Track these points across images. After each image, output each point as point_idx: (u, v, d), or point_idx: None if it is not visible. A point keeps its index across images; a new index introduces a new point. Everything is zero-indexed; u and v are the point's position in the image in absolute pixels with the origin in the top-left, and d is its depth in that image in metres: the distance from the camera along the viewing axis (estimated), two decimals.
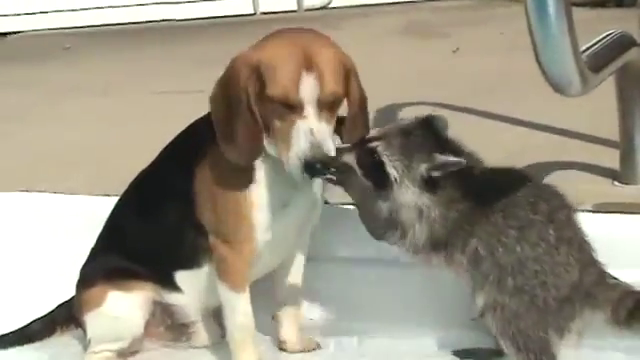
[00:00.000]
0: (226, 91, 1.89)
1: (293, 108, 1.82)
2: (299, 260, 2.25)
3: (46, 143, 3.49)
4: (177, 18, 6.78)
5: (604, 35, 2.20)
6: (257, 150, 1.89)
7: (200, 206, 2.03)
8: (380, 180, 1.86)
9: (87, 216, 2.58)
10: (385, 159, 1.85)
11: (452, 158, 1.83)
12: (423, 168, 1.83)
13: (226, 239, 2.02)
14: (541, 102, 2.97)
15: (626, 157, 2.46)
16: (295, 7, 6.58)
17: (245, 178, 1.97)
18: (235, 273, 2.05)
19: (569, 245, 1.89)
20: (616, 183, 2.46)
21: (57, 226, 2.70)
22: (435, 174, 1.82)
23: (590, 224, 2.18)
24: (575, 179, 2.50)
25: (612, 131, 2.53)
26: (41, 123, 3.86)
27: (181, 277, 2.18)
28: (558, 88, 1.79)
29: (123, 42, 5.99)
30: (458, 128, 1.93)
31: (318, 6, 6.62)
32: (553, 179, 2.46)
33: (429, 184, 1.84)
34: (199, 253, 2.09)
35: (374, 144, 1.86)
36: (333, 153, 1.83)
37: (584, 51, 1.95)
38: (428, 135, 1.86)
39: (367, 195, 1.91)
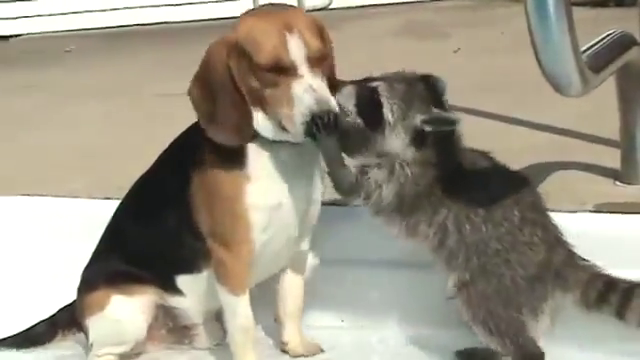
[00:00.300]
0: (207, 78, 1.90)
1: (286, 71, 1.83)
2: (301, 261, 2.24)
3: (48, 146, 3.49)
4: (178, 20, 6.78)
5: (604, 35, 2.20)
6: (248, 128, 1.90)
7: (196, 210, 2.03)
8: (373, 121, 1.86)
9: (88, 219, 2.58)
10: (384, 100, 1.85)
11: (449, 114, 1.85)
12: (418, 119, 1.84)
13: (223, 242, 2.02)
14: (542, 102, 2.97)
15: (627, 157, 2.45)
16: None
17: (240, 178, 1.97)
18: (234, 276, 2.05)
19: (533, 225, 1.91)
20: (617, 183, 2.46)
21: (59, 229, 2.70)
22: (428, 128, 1.83)
23: (592, 224, 2.18)
24: (576, 179, 2.49)
25: (613, 131, 2.52)
26: (43, 126, 3.86)
27: (182, 281, 2.17)
28: (558, 88, 1.79)
29: (125, 44, 5.99)
30: (459, 127, 1.93)
31: (319, 7, 6.61)
32: (554, 179, 2.47)
33: (418, 138, 1.85)
34: (198, 257, 2.09)
35: (375, 84, 1.87)
36: (337, 109, 1.83)
37: (584, 51, 1.95)
38: (428, 91, 1.88)
39: (350, 137, 1.90)
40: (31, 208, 2.78)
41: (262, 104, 1.89)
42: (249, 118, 1.90)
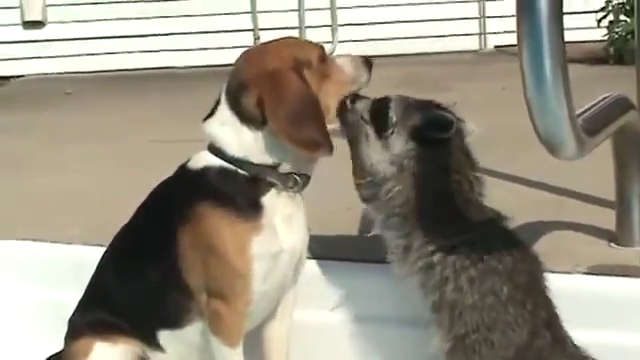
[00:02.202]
0: (290, 104, 1.96)
1: (326, 57, 2.05)
2: (288, 307, 2.23)
3: (45, 190, 3.49)
4: (179, 66, 6.82)
5: (601, 98, 2.21)
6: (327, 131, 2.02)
7: (187, 269, 2.00)
8: (381, 124, 1.94)
9: (81, 266, 2.57)
10: (392, 104, 1.95)
11: (448, 116, 1.91)
12: (419, 118, 1.91)
13: (220, 295, 2.00)
14: (539, 160, 2.97)
15: (622, 219, 2.46)
16: None
17: (248, 230, 1.96)
18: (230, 328, 2.04)
19: (521, 307, 1.85)
20: (612, 245, 2.46)
21: (52, 276, 2.69)
22: (426, 127, 1.87)
23: (585, 286, 2.18)
24: (571, 239, 2.49)
25: (609, 190, 2.53)
26: (40, 169, 3.86)
27: (164, 336, 2.16)
28: (553, 151, 1.79)
29: (124, 89, 6.02)
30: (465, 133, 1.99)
31: None
32: (549, 239, 2.47)
33: (417, 136, 1.91)
34: (182, 314, 2.08)
35: (391, 95, 2.00)
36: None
37: (580, 114, 1.95)
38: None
39: (363, 142, 1.99)
40: (23, 253, 2.77)
41: (324, 105, 2.01)
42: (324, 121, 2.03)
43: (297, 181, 1.98)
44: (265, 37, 6.79)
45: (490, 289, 1.85)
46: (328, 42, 6.83)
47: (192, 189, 1.97)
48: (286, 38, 2.07)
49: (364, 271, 2.33)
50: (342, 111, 2.01)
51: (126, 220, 2.23)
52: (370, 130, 1.97)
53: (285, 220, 2.00)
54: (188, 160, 2.03)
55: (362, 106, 2.01)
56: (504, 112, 4.19)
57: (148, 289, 2.09)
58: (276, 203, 1.97)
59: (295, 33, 6.78)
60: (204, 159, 1.99)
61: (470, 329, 1.85)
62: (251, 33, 7.02)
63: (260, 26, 6.94)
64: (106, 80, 6.50)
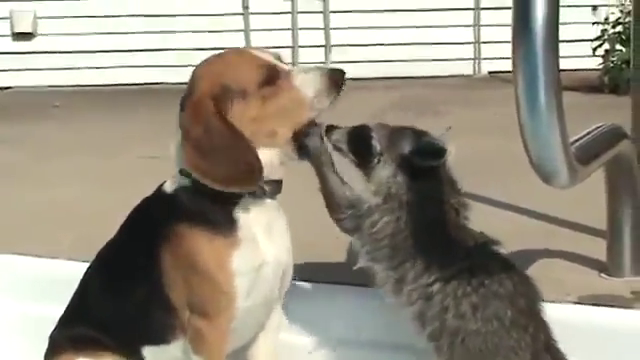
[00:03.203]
0: (202, 141, 1.89)
1: (276, 75, 1.90)
2: (274, 325, 2.22)
3: (32, 204, 3.49)
4: (170, 82, 6.83)
5: (594, 127, 2.22)
6: (260, 168, 1.90)
7: (170, 286, 2.00)
8: (364, 154, 1.90)
9: (67, 282, 2.56)
10: (374, 133, 1.90)
11: (438, 143, 1.87)
12: (406, 148, 1.87)
13: (202, 312, 1.99)
14: (531, 187, 2.97)
15: (613, 249, 2.47)
16: None
17: (226, 245, 1.96)
18: (212, 346, 2.02)
19: (524, 331, 1.86)
20: (602, 275, 2.47)
21: (37, 291, 2.68)
22: (416, 157, 1.84)
23: (575, 315, 2.19)
24: (561, 268, 2.50)
25: (601, 220, 2.54)
26: (27, 183, 3.86)
27: (148, 352, 2.15)
28: (545, 179, 1.80)
29: (114, 103, 6.03)
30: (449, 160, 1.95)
31: None
32: (539, 267, 2.48)
33: (406, 167, 1.88)
34: (166, 330, 2.06)
35: (370, 123, 1.95)
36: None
37: (573, 142, 1.96)
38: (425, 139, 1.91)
39: (340, 174, 1.94)
40: (8, 267, 2.77)
41: (267, 133, 1.91)
42: (258, 158, 1.90)
43: (264, 188, 1.97)
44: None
45: (494, 314, 1.85)
46: (321, 62, 6.86)
47: (169, 211, 1.96)
48: (230, 54, 1.97)
49: (353, 294, 2.33)
50: (300, 143, 1.92)
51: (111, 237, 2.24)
52: (349, 160, 1.94)
53: (265, 230, 1.99)
54: (164, 182, 2.03)
55: (337, 137, 1.95)
56: (497, 138, 4.22)
57: (131, 305, 2.09)
58: (250, 214, 1.97)
59: (288, 53, 6.81)
60: (176, 182, 1.99)
61: (472, 355, 1.85)
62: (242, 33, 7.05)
63: (253, 44, 6.97)
64: (95, 94, 6.51)
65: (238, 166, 1.87)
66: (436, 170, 1.89)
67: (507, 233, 2.72)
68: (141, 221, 2.06)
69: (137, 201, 2.14)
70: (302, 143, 1.92)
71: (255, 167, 1.89)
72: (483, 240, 1.95)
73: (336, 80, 1.91)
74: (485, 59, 7.05)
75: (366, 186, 1.90)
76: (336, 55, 6.98)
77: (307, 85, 1.90)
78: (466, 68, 7.10)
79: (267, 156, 1.94)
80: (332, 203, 1.95)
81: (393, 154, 1.89)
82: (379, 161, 1.89)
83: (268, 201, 1.98)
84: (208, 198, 1.94)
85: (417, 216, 1.88)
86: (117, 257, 2.12)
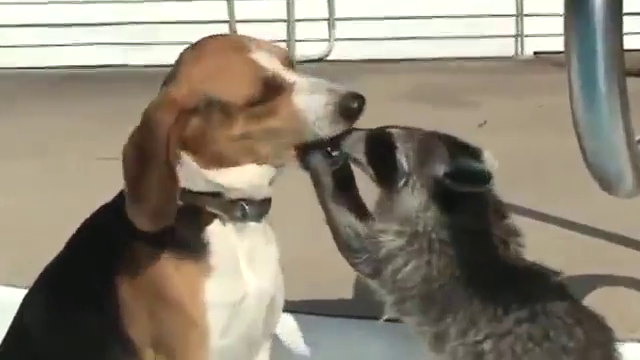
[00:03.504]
0: (142, 146, 1.90)
1: (274, 89, 1.88)
2: None
3: None
4: (134, 64, 6.81)
5: None
6: (169, 211, 1.89)
7: (129, 319, 2.00)
8: (387, 170, 1.86)
9: (2, 310, 2.56)
10: (400, 144, 1.86)
11: (481, 165, 1.80)
12: (440, 169, 1.82)
13: (169, 353, 2.00)
14: (587, 197, 2.98)
15: None
16: None
17: (197, 272, 1.97)
18: None
19: None
20: None
21: None
22: (452, 183, 1.77)
23: None
24: (624, 299, 2.50)
25: None
26: None
27: None
28: (606, 186, 1.79)
29: (65, 91, 6.02)
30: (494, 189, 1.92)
31: (314, 57, 6.69)
32: (597, 297, 2.46)
33: (441, 195, 1.83)
34: None
35: (393, 130, 1.90)
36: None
37: None
38: (458, 146, 1.85)
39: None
40: None
41: (252, 151, 1.92)
42: (174, 199, 1.89)
43: (245, 210, 1.98)
44: (244, 30, 6.78)
45: None
46: (324, 40, 6.87)
47: (128, 224, 1.96)
48: (226, 52, 1.95)
49: (362, 330, 2.34)
50: (303, 160, 1.92)
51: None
52: (368, 176, 1.90)
53: (246, 257, 2.01)
54: None
55: (352, 143, 1.91)
56: (543, 135, 4.22)
57: (81, 342, 2.08)
58: (228, 237, 1.98)
59: (282, 28, 6.81)
60: None
61: None
62: (227, 25, 7.05)
63: (238, 17, 6.96)
64: (42, 79, 6.50)
65: (153, 196, 1.88)
66: (478, 196, 1.84)
67: (554, 254, 2.73)
68: (95, 235, 2.07)
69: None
70: (303, 160, 1.92)
71: (167, 205, 1.88)
72: (540, 275, 1.92)
73: (350, 111, 1.88)
74: (529, 36, 7.04)
75: (386, 220, 1.84)
76: (341, 31, 6.97)
77: (310, 110, 1.89)
78: (506, 48, 7.08)
79: (251, 174, 1.95)
80: (340, 242, 1.93)
81: (424, 176, 1.84)
82: (406, 184, 1.85)
83: (251, 224, 1.99)
84: (179, 212, 1.93)
85: (455, 258, 1.83)
86: (64, 280, 2.11)
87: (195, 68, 1.93)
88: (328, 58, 6.76)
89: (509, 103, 5.13)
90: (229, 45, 1.96)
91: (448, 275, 1.86)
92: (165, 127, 1.87)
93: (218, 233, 1.97)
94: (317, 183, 1.92)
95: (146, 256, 1.95)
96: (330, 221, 1.94)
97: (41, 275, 2.19)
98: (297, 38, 6.79)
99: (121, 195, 1.98)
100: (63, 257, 2.13)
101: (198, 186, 1.95)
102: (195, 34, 2.10)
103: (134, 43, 6.97)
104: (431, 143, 1.86)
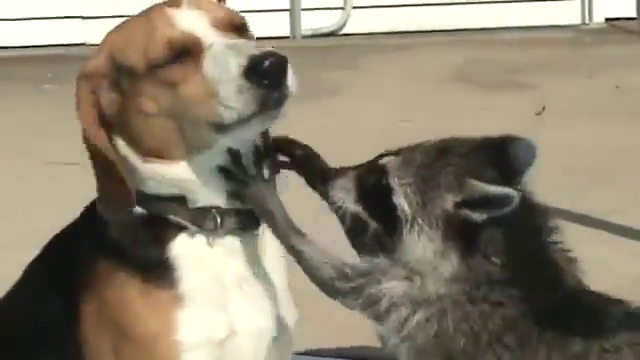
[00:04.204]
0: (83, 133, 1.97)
1: (189, 52, 1.90)
2: None
3: None
4: (89, 42, 6.82)
5: None
6: (120, 194, 1.94)
7: (93, 356, 2.02)
8: (389, 220, 1.83)
9: None
10: (394, 181, 1.83)
11: (501, 189, 1.73)
12: (449, 201, 1.81)
13: None
14: None
15: None
16: (288, 32, 6.64)
17: (166, 301, 1.97)
18: None
19: None
20: None
21: None
22: (469, 214, 1.73)
23: None
24: None
25: None
26: None
27: None
28: None
29: (9, 78, 6.06)
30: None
31: (324, 31, 6.69)
32: None
33: (458, 233, 1.77)
34: None
35: (385, 160, 1.83)
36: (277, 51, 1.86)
37: None
38: (483, 159, 1.80)
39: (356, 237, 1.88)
40: None
41: (172, 133, 1.93)
42: (117, 180, 1.93)
43: (215, 219, 1.96)
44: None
45: None
46: (337, 8, 6.88)
47: (95, 238, 1.99)
48: (144, 13, 2.02)
49: None
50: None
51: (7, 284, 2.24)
52: (372, 224, 1.85)
53: (235, 284, 2.00)
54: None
55: (341, 193, 1.89)
56: (619, 123, 4.22)
57: None
58: (201, 256, 1.98)
59: None
60: None
61: None
62: None
63: None
64: None
65: (101, 180, 1.94)
66: (509, 219, 1.81)
67: (632, 275, 2.74)
68: (59, 257, 2.09)
69: (43, 232, 2.15)
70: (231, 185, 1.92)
71: (112, 192, 1.93)
72: (604, 313, 1.91)
73: (260, 73, 1.84)
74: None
75: (390, 271, 1.82)
76: None
77: (216, 75, 1.89)
78: (571, 15, 7.10)
79: (192, 168, 1.95)
80: (319, 282, 1.90)
81: (431, 215, 1.82)
82: (411, 230, 1.80)
83: (238, 241, 2.00)
84: (136, 222, 1.97)
85: (486, 312, 1.82)
86: (21, 312, 2.13)
87: (113, 33, 2.00)
88: (342, 31, 6.75)
89: (575, 84, 5.13)
90: (159, 6, 2.01)
91: (466, 333, 1.85)
92: (85, 98, 1.94)
93: (186, 251, 1.97)
94: (264, 213, 1.92)
95: (107, 279, 1.97)
96: (298, 259, 1.93)
97: None
98: (303, 6, 6.78)
99: (85, 211, 2.03)
100: (22, 284, 2.15)
101: (149, 184, 1.97)
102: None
103: (88, 17, 7.02)
104: (433, 169, 1.82)
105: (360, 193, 1.88)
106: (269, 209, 1.89)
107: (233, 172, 1.89)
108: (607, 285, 2.00)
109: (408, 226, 1.83)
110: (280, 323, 2.05)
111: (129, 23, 2.01)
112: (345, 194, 1.90)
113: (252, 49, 1.86)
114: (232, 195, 1.92)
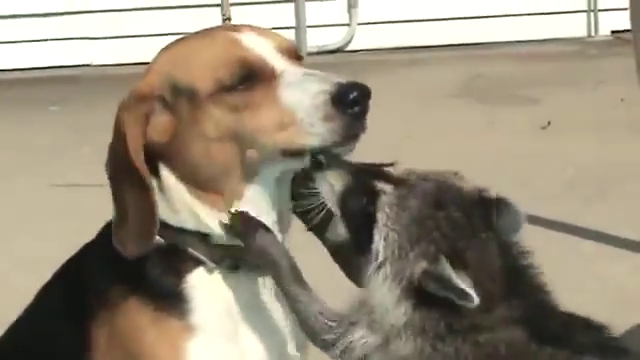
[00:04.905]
0: (113, 158, 1.93)
1: (258, 77, 1.87)
2: None
3: None
4: (97, 63, 6.80)
5: None
6: (149, 229, 1.91)
7: None
8: (360, 244, 1.79)
9: None
10: (381, 219, 1.80)
11: (465, 287, 1.73)
12: (419, 267, 1.75)
13: None
14: None
15: None
16: None
17: (178, 332, 1.96)
18: None
19: None
20: None
21: None
22: (428, 286, 1.73)
23: None
24: None
25: None
26: None
27: None
28: None
29: (5, 101, 6.06)
30: (544, 252, 1.87)
31: (329, 48, 6.69)
32: None
33: (413, 294, 1.76)
34: None
35: (381, 186, 1.79)
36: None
37: None
38: (478, 220, 1.79)
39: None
40: None
41: (231, 159, 1.89)
42: (151, 214, 1.90)
43: (235, 260, 1.94)
44: (240, 15, 6.80)
45: None
46: (342, 25, 6.88)
47: (110, 262, 1.97)
48: (203, 35, 2.00)
49: None
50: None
51: (8, 309, 2.23)
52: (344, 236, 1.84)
53: (245, 317, 1.99)
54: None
55: (326, 187, 1.85)
56: (623, 137, 4.20)
57: None
58: (216, 290, 1.96)
59: (289, 10, 6.81)
60: None
61: None
62: (218, 9, 7.09)
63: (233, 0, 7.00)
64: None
65: (123, 210, 1.91)
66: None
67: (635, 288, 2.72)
68: (70, 280, 2.07)
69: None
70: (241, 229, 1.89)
71: (142, 226, 1.91)
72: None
73: (347, 103, 1.83)
74: (605, 10, 7.05)
75: (359, 311, 1.82)
76: (365, 13, 6.97)
77: (298, 102, 1.87)
78: (576, 27, 7.10)
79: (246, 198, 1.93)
80: (310, 333, 1.88)
81: (399, 270, 1.79)
82: (377, 271, 1.79)
83: (248, 274, 1.97)
84: (154, 251, 1.94)
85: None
86: (31, 335, 2.11)
87: (165, 54, 1.96)
88: (348, 48, 6.75)
89: (580, 97, 5.13)
90: (213, 29, 1.99)
91: None
92: (129, 123, 1.89)
93: (201, 284, 1.96)
94: (268, 264, 1.89)
95: (119, 305, 1.95)
96: (295, 309, 1.92)
97: (6, 333, 2.19)
98: (308, 23, 6.78)
99: (102, 234, 2.02)
100: (32, 310, 2.14)
101: (180, 217, 1.95)
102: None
103: (96, 38, 7.02)
104: (420, 227, 1.80)
105: (343, 200, 1.84)
106: (273, 260, 1.88)
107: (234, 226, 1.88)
108: (611, 299, 1.99)
109: (376, 265, 1.81)
110: (289, 354, 2.06)
111: (187, 43, 1.97)
112: (329, 190, 1.87)
113: (335, 77, 1.84)
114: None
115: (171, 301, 1.96)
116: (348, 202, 1.85)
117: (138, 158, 1.89)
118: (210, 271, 1.96)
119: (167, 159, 1.93)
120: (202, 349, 1.97)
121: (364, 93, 1.83)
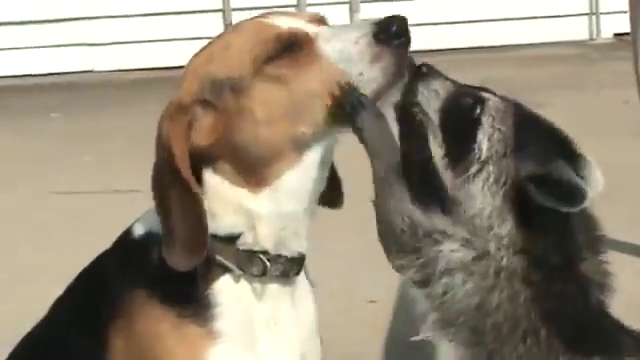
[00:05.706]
0: (158, 169, 1.93)
1: (288, 47, 1.88)
2: None
3: None
4: (105, 69, 6.83)
5: None
6: (199, 241, 1.90)
7: None
8: (460, 148, 1.75)
9: None
10: (486, 119, 1.76)
11: (579, 181, 1.69)
12: (526, 169, 1.71)
13: None
14: None
15: None
16: None
17: (200, 338, 1.94)
18: None
19: None
20: None
21: None
22: (536, 191, 1.69)
23: None
24: None
25: None
26: None
27: None
28: None
29: (6, 108, 6.07)
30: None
31: None
32: None
33: (518, 203, 1.72)
34: None
35: (485, 94, 1.83)
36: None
37: None
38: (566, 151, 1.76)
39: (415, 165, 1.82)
40: None
41: (287, 132, 1.89)
42: (202, 226, 1.90)
43: (266, 265, 1.95)
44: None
45: None
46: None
47: (129, 268, 1.98)
48: (234, 28, 2.02)
49: None
50: (341, 113, 1.84)
51: (14, 321, 2.21)
52: (438, 140, 1.81)
53: (265, 323, 1.98)
54: (136, 221, 2.04)
55: (429, 93, 1.82)
56: (627, 140, 4.19)
57: None
58: (241, 297, 1.96)
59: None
60: (147, 220, 2.02)
61: None
62: (220, 15, 7.09)
63: (234, 5, 6.99)
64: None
65: (171, 222, 1.90)
66: (570, 217, 1.77)
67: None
68: (90, 284, 2.08)
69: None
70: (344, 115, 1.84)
71: (192, 239, 1.90)
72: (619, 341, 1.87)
73: (391, 37, 1.85)
74: (607, 13, 7.06)
75: (455, 220, 1.78)
76: (367, 15, 6.98)
77: (340, 52, 1.87)
78: (579, 30, 7.11)
79: (295, 179, 1.92)
80: (387, 236, 1.82)
81: (503, 170, 1.76)
82: (478, 174, 1.76)
83: (274, 285, 1.97)
84: None
85: (520, 295, 1.78)
86: (49, 341, 2.10)
87: (197, 58, 1.96)
88: None
89: (583, 100, 5.14)
90: (237, 24, 2.00)
91: (507, 313, 1.80)
92: (174, 133, 1.90)
93: (228, 291, 1.96)
94: (373, 152, 1.84)
95: (139, 311, 1.96)
96: (381, 203, 1.85)
97: (21, 343, 2.17)
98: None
99: (119, 241, 2.02)
100: (48, 321, 2.12)
101: (216, 222, 1.94)
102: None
103: (105, 43, 7.02)
104: (529, 130, 1.78)
105: (447, 105, 1.81)
106: (381, 149, 1.86)
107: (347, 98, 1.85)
108: (615, 304, 1.96)
109: (477, 168, 1.77)
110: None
111: (216, 41, 1.98)
112: (433, 97, 1.82)
113: (368, 20, 1.85)
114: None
115: (194, 307, 1.96)
116: (453, 106, 1.81)
117: (185, 168, 1.90)
118: (236, 278, 1.97)
119: (211, 161, 1.93)
120: (222, 356, 1.97)
121: (403, 23, 1.86)
